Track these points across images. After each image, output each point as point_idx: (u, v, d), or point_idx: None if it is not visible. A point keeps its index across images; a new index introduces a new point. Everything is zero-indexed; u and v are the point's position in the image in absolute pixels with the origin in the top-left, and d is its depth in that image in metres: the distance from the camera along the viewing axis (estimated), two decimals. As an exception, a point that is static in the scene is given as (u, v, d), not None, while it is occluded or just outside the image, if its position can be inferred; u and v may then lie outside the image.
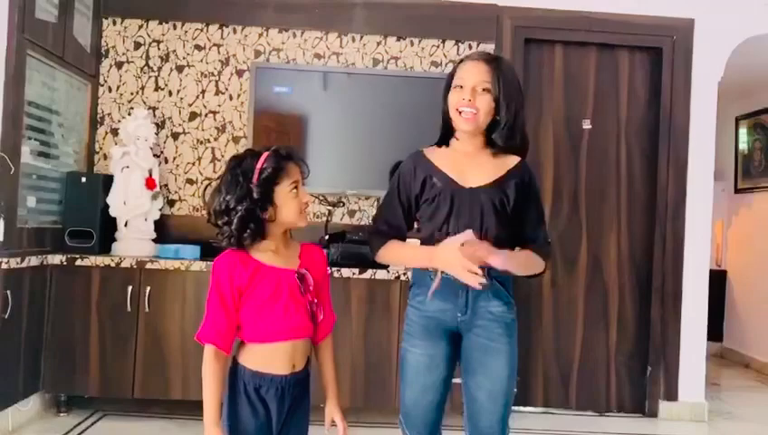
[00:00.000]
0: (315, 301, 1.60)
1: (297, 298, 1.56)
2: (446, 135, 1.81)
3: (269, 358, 1.55)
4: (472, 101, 1.69)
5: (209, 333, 1.52)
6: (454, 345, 1.75)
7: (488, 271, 1.67)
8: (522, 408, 3.51)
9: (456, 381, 1.79)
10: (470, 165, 1.74)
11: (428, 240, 1.74)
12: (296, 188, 1.56)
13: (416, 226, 1.82)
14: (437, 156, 1.78)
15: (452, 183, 1.72)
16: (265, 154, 1.54)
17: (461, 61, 1.78)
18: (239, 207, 1.49)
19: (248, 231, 1.50)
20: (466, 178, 1.73)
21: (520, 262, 1.70)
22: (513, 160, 1.78)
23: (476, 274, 1.59)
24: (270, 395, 1.55)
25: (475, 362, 1.72)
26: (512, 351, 1.73)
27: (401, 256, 1.80)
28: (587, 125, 3.66)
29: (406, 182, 1.77)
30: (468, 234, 1.63)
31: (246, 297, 1.53)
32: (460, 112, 1.71)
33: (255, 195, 1.50)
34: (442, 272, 1.67)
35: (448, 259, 1.63)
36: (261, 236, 1.53)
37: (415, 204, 1.77)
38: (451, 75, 1.77)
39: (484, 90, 1.70)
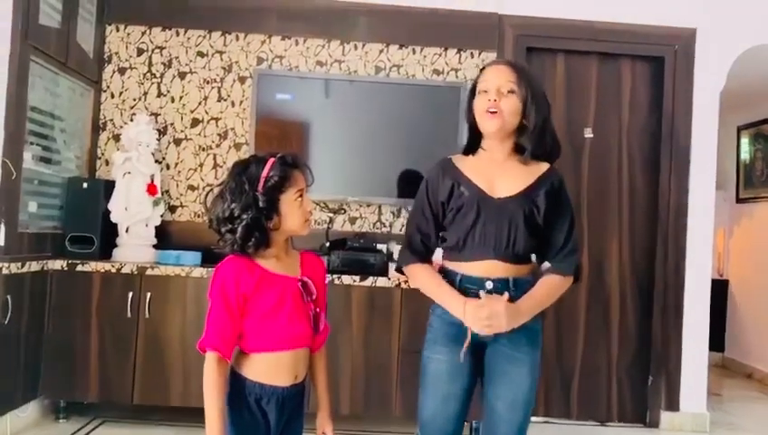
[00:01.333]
0: (318, 309, 1.58)
1: (300, 306, 1.55)
2: (471, 144, 1.80)
3: (273, 368, 1.52)
4: (497, 101, 1.68)
5: (213, 339, 1.47)
6: (477, 356, 1.71)
7: (514, 282, 1.68)
8: (522, 417, 3.49)
9: None
10: (499, 174, 1.72)
11: (454, 248, 1.73)
12: (301, 196, 1.53)
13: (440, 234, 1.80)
14: (466, 164, 1.76)
15: (480, 193, 1.69)
16: (271, 161, 1.51)
17: (483, 68, 1.78)
18: (244, 216, 1.47)
19: (252, 239, 1.48)
20: (495, 189, 1.70)
21: (536, 304, 1.68)
22: (542, 168, 1.75)
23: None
24: (270, 406, 1.53)
25: (498, 371, 1.69)
26: (534, 361, 1.70)
27: (425, 286, 1.75)
28: (588, 134, 3.65)
29: (433, 188, 1.75)
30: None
31: (251, 305, 1.50)
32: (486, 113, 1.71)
33: (261, 203, 1.47)
34: (472, 333, 1.66)
35: (463, 319, 1.65)
36: (265, 245, 1.51)
37: (442, 210, 1.74)
38: (474, 83, 1.77)
39: (509, 91, 1.69)
